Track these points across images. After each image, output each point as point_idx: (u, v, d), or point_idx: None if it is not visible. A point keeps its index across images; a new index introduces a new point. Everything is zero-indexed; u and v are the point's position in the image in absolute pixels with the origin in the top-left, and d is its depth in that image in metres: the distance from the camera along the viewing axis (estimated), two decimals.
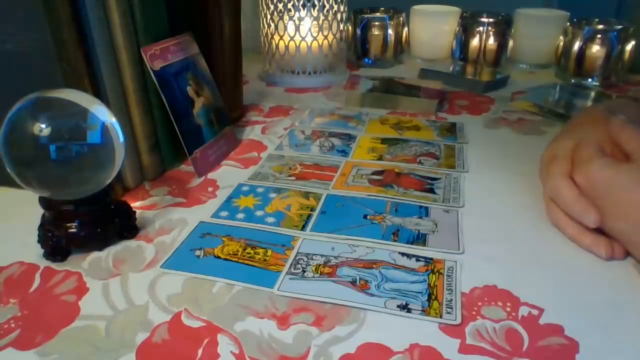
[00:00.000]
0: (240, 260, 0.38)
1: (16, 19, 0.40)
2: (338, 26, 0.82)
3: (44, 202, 0.38)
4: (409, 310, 0.33)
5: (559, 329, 0.32)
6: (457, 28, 0.91)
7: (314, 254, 0.39)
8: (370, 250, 0.40)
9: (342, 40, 0.85)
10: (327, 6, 0.79)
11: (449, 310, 0.33)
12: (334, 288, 0.35)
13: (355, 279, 0.36)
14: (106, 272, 0.38)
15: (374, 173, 0.52)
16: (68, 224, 0.38)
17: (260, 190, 0.49)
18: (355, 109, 0.72)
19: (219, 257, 0.39)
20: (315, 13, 0.79)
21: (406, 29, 0.96)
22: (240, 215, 0.45)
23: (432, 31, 0.94)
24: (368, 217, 0.44)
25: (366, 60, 0.96)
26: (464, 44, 0.91)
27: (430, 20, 0.95)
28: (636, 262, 0.38)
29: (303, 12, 0.79)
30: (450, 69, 0.89)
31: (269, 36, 0.82)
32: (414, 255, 0.39)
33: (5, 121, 0.34)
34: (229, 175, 0.53)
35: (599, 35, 0.80)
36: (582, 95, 0.76)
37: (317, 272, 0.37)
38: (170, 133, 0.51)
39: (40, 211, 0.39)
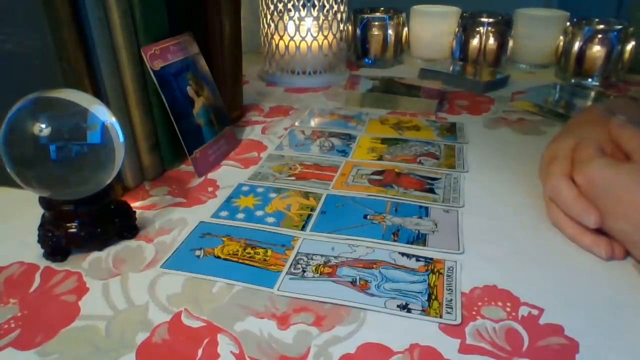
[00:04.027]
0: (240, 260, 0.38)
1: (16, 19, 0.40)
2: (338, 26, 0.82)
3: (44, 202, 0.38)
4: (409, 310, 0.33)
5: (559, 329, 0.32)
6: (457, 28, 0.91)
7: (314, 254, 0.39)
8: (370, 250, 0.40)
9: (342, 40, 0.85)
10: (327, 6, 0.79)
11: (449, 310, 0.33)
12: (334, 288, 0.35)
13: (355, 279, 0.36)
14: (106, 272, 0.38)
15: (374, 173, 0.52)
16: (68, 224, 0.38)
17: (260, 190, 0.49)
18: (355, 109, 0.72)
19: (219, 257, 0.39)
20: (315, 13, 0.79)
21: (406, 29, 0.96)
22: (240, 215, 0.45)
23: (432, 31, 0.94)
24: (368, 217, 0.44)
25: (366, 60, 0.96)
26: (464, 44, 0.91)
27: (430, 20, 0.95)
28: (636, 262, 0.38)
29: (303, 12, 0.79)
30: (450, 69, 0.89)
31: (269, 36, 0.82)
32: (414, 255, 0.39)
33: (5, 121, 0.34)
34: (229, 175, 0.53)
35: (599, 35, 0.80)
36: (582, 95, 0.76)
37: (317, 272, 0.37)
38: (170, 133, 0.51)
39: (40, 211, 0.39)
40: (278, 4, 0.78)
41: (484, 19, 0.88)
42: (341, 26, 0.83)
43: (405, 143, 0.59)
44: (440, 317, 0.33)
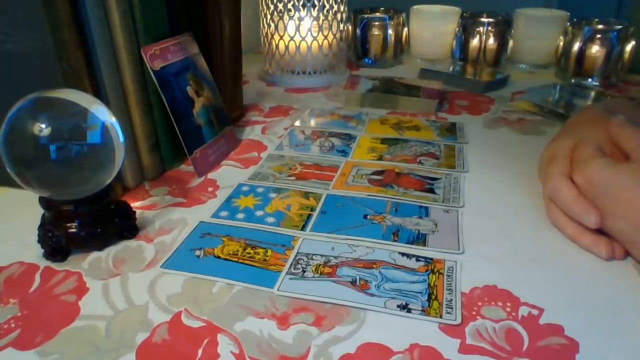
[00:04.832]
0: (240, 260, 0.38)
1: (16, 19, 0.40)
2: (338, 26, 0.82)
3: (44, 202, 0.38)
4: (409, 310, 0.33)
5: (559, 329, 0.32)
6: (457, 28, 0.91)
7: (314, 254, 0.39)
8: (370, 250, 0.40)
9: (342, 40, 0.85)
10: (327, 6, 0.79)
11: (449, 310, 0.33)
12: (334, 288, 0.35)
13: (355, 279, 0.36)
14: (106, 272, 0.38)
15: (374, 173, 0.52)
16: (68, 224, 0.38)
17: (260, 190, 0.49)
18: (355, 109, 0.72)
19: (219, 257, 0.39)
20: (315, 13, 0.79)
21: (406, 29, 0.97)
22: (240, 215, 0.45)
23: (432, 31, 0.94)
24: (368, 217, 0.44)
25: (366, 60, 0.96)
26: (464, 44, 0.91)
27: (430, 20, 0.95)
28: (636, 262, 0.38)
29: (303, 12, 0.79)
30: (450, 69, 0.89)
31: (269, 36, 0.82)
32: (414, 255, 0.39)
33: (5, 121, 0.34)
34: (229, 175, 0.53)
35: (599, 35, 0.80)
36: (582, 95, 0.76)
37: (317, 272, 0.37)
38: (170, 133, 0.51)
39: (40, 211, 0.39)
40: (278, 4, 0.78)
41: (484, 19, 0.88)
42: (341, 26, 0.83)
43: (405, 143, 0.59)
44: (440, 317, 0.33)
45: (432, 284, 0.36)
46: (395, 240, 0.41)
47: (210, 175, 0.53)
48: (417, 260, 0.38)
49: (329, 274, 0.37)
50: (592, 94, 0.76)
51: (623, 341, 0.31)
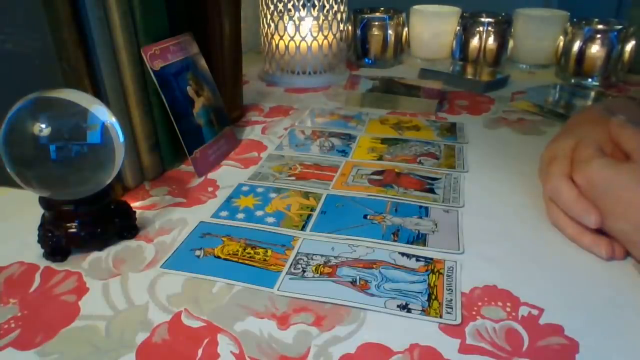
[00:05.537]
0: (240, 260, 0.38)
1: (16, 19, 0.40)
2: (338, 26, 0.82)
3: (44, 202, 0.38)
4: (409, 310, 0.33)
5: (559, 329, 0.32)
6: (457, 28, 0.91)
7: (314, 254, 0.39)
8: (370, 250, 0.40)
9: (342, 40, 0.85)
10: (327, 6, 0.79)
11: (449, 310, 0.33)
12: (334, 288, 0.35)
13: (355, 279, 0.36)
14: (106, 272, 0.38)
15: (374, 173, 0.52)
16: (68, 224, 0.38)
17: (260, 190, 0.49)
18: (355, 109, 0.72)
19: (219, 257, 0.39)
20: (315, 13, 0.79)
21: (406, 29, 0.97)
22: (240, 215, 0.45)
23: (432, 31, 0.94)
24: (368, 217, 0.44)
25: (366, 60, 0.96)
26: (464, 44, 0.91)
27: (430, 20, 0.95)
28: (636, 262, 0.38)
29: (303, 12, 0.79)
30: (450, 69, 0.89)
31: (269, 36, 0.82)
32: (414, 255, 0.39)
33: (5, 121, 0.34)
34: (229, 175, 0.53)
35: (599, 35, 0.80)
36: (582, 95, 0.76)
37: (317, 272, 0.37)
38: (170, 133, 0.51)
39: (40, 211, 0.39)
40: (278, 4, 0.78)
41: (484, 19, 0.88)
42: (341, 26, 0.83)
43: (405, 143, 0.59)
44: (440, 317, 0.33)
45: (432, 284, 0.36)
46: (395, 240, 0.41)
47: (210, 175, 0.53)
48: (417, 260, 0.38)
49: (329, 274, 0.37)
50: (592, 94, 0.76)
51: (623, 341, 0.31)
